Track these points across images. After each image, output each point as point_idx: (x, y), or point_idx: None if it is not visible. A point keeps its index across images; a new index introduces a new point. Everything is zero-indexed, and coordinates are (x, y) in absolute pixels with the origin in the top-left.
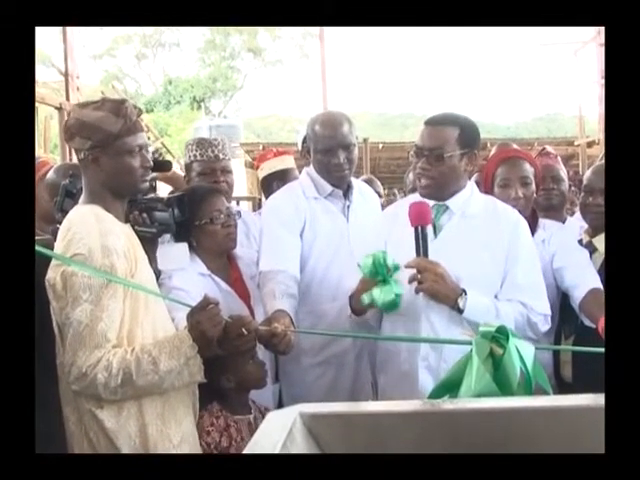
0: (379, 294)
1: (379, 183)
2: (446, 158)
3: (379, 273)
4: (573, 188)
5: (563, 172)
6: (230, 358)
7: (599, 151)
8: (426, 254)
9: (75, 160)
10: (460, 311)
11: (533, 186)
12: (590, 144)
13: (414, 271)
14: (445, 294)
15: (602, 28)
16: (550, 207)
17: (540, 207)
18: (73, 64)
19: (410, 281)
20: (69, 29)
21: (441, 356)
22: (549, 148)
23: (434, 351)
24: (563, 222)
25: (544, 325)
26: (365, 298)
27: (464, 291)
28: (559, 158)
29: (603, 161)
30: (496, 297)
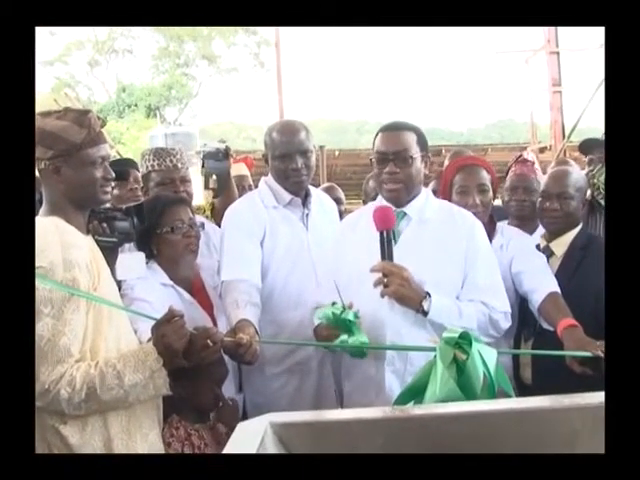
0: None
1: (340, 190)
2: (414, 159)
3: (342, 326)
4: None
5: (537, 182)
6: (181, 385)
7: (551, 157)
8: (391, 258)
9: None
10: (425, 314)
11: (490, 193)
12: (542, 150)
13: (379, 275)
14: (410, 297)
15: (551, 37)
16: (522, 217)
17: (512, 217)
18: None
19: (376, 285)
20: None
21: (407, 360)
22: (529, 156)
23: (399, 355)
24: (535, 231)
25: (505, 322)
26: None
27: (428, 294)
28: (536, 166)
29: (561, 167)
30: (457, 298)
